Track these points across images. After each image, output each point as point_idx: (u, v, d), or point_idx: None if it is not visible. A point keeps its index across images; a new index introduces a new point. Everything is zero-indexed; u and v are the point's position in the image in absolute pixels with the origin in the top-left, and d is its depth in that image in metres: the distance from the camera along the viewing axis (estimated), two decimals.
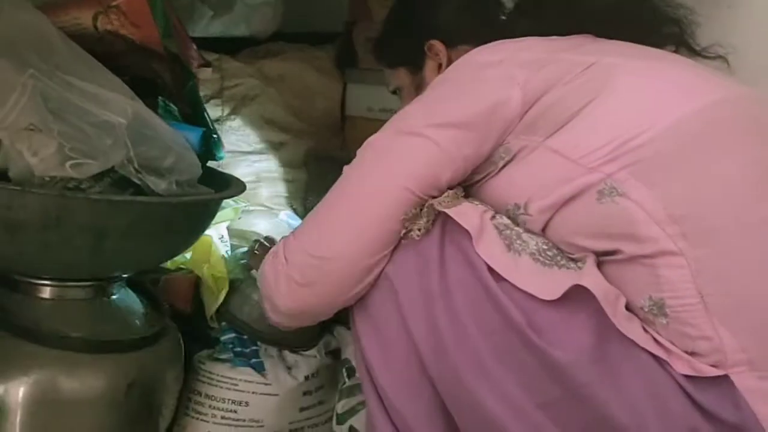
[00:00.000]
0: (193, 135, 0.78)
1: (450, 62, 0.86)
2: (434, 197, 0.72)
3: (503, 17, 0.86)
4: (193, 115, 0.88)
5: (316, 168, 1.34)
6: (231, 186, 0.89)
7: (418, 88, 0.91)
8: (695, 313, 0.59)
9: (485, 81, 0.73)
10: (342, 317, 0.80)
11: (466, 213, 0.69)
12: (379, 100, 1.38)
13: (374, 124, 1.37)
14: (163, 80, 0.85)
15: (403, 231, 0.73)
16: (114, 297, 0.83)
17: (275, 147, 1.28)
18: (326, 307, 0.74)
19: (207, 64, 0.92)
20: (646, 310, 0.61)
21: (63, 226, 0.68)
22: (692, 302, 0.59)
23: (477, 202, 0.72)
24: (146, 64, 0.83)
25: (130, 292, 0.87)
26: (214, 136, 0.90)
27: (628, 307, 0.62)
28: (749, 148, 0.66)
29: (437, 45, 0.87)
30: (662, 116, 0.66)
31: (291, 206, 1.29)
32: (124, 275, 0.83)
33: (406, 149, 0.73)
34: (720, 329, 0.58)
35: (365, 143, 0.76)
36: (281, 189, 1.29)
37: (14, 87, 0.58)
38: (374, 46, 0.97)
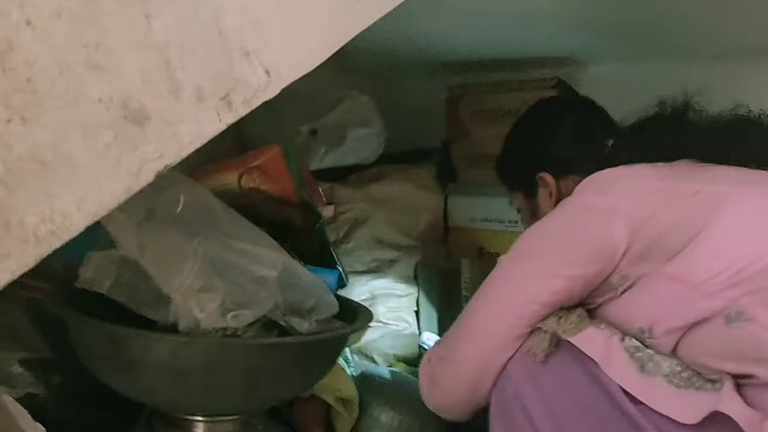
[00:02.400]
0: (331, 278, 0.86)
1: (559, 191, 0.92)
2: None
3: (609, 147, 0.90)
4: (321, 252, 0.96)
5: (426, 281, 1.40)
6: (359, 314, 0.95)
7: (533, 212, 0.97)
8: None
9: (590, 219, 0.78)
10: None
11: (590, 340, 0.72)
12: (479, 211, 1.45)
13: (477, 233, 1.45)
14: (295, 224, 0.93)
15: (527, 350, 0.77)
16: (259, 428, 0.89)
17: (387, 264, 1.35)
18: (456, 402, 0.84)
19: (330, 203, 1.01)
20: None
21: (222, 370, 0.75)
22: None
23: (603, 326, 0.74)
24: (280, 211, 0.92)
25: (271, 421, 0.93)
26: (341, 268, 0.97)
27: None
28: None
29: (547, 177, 0.95)
30: None
31: (405, 320, 1.34)
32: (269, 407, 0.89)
33: (522, 282, 0.80)
34: None
35: (499, 261, 0.84)
36: (395, 304, 1.35)
37: (188, 255, 0.67)
38: (496, 171, 1.08)
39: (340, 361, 1.11)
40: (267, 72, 0.63)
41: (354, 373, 1.12)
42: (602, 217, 0.77)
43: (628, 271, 0.74)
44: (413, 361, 1.27)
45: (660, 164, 0.81)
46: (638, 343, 0.71)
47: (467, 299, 1.38)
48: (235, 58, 0.62)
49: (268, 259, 0.72)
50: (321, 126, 1.26)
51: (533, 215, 0.97)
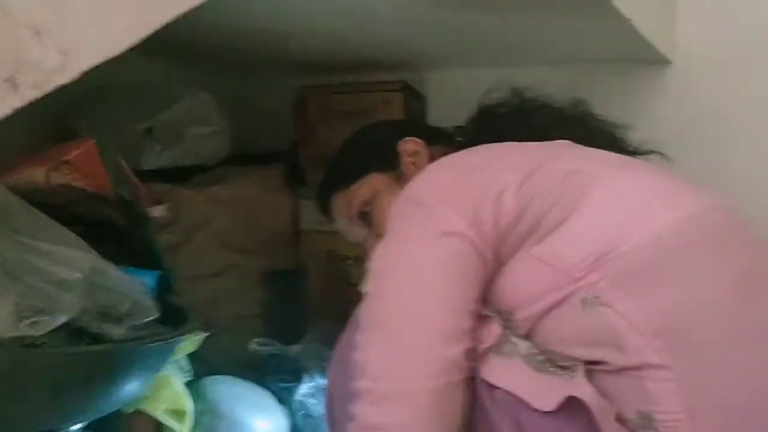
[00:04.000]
0: (150, 279, 0.80)
1: (431, 158, 0.87)
2: None
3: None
4: (147, 254, 0.90)
5: (271, 285, 1.36)
6: (189, 319, 0.89)
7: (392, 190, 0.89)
8: (683, 427, 0.58)
9: (480, 186, 0.71)
10: None
11: None
12: None
13: (327, 237, 1.43)
14: (117, 223, 0.87)
15: None
16: None
17: (231, 267, 1.30)
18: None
19: (159, 202, 0.95)
20: (636, 422, 0.60)
21: (18, 383, 0.68)
22: (679, 416, 0.59)
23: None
24: (100, 209, 0.85)
25: None
26: (168, 269, 0.92)
27: (618, 418, 0.61)
28: (730, 258, 0.66)
29: (416, 141, 0.91)
30: (643, 226, 0.66)
31: (250, 326, 1.30)
32: (83, 423, 0.82)
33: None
34: None
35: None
36: (239, 308, 1.30)
37: None
38: (330, 174, 1.02)
39: (173, 369, 1.05)
40: (62, 53, 0.58)
41: (189, 382, 1.07)
42: (493, 185, 0.71)
43: (502, 250, 0.70)
44: (257, 367, 1.23)
45: (536, 143, 0.78)
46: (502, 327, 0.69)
47: (314, 303, 1.37)
48: (23, 37, 0.55)
49: (72, 260, 0.66)
50: (157, 124, 1.19)
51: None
